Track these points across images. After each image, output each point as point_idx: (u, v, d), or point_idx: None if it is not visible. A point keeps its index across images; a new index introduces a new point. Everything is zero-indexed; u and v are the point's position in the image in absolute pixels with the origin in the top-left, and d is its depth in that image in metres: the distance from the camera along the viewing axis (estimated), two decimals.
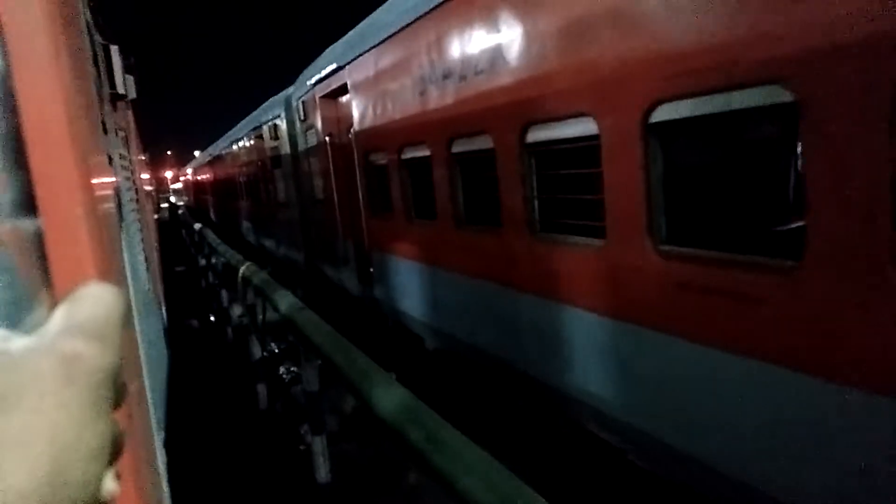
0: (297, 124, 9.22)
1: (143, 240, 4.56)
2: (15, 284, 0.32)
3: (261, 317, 6.57)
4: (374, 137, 5.91)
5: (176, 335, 8.18)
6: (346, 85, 6.52)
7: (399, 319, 6.22)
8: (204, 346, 8.94)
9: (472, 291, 4.50)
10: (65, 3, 0.89)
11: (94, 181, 0.97)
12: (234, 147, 17.03)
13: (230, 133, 18.77)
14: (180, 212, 29.82)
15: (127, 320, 0.37)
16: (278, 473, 4.64)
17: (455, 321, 4.83)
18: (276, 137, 10.77)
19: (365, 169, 6.38)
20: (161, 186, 56.27)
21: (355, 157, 6.64)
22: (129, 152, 4.47)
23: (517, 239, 3.89)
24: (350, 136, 7.13)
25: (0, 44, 0.39)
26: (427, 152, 4.83)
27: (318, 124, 7.85)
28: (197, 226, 16.23)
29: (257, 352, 6.94)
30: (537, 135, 3.56)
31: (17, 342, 0.29)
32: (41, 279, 0.38)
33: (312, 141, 8.41)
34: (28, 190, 0.40)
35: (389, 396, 1.94)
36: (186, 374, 6.97)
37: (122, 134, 3.75)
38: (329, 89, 7.24)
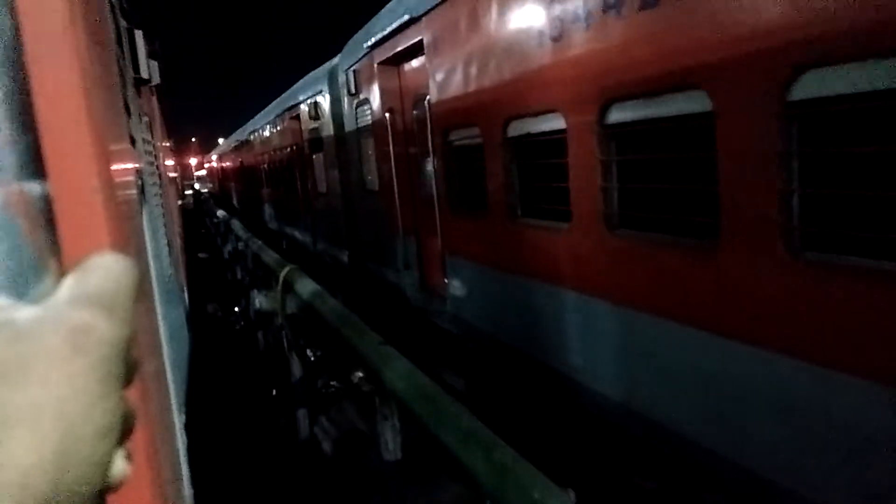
0: (345, 100, 7.84)
1: (165, 225, 4.43)
2: (21, 252, 0.29)
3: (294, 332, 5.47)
4: (464, 109, 4.49)
5: (198, 320, 8.03)
6: (420, 43, 5.10)
7: (483, 343, 4.84)
8: (226, 335, 8.76)
9: (628, 326, 3.10)
10: None
11: (113, 154, 0.97)
12: (264, 131, 15.75)
13: (259, 116, 17.52)
14: (203, 198, 29.72)
15: (141, 294, 0.33)
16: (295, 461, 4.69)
17: (592, 366, 3.42)
18: (316, 117, 9.41)
19: (444, 152, 4.98)
20: (185, 173, 56.23)
21: (429, 136, 5.23)
22: (152, 137, 4.38)
23: (712, 261, 2.52)
24: (420, 110, 5.72)
25: (9, 5, 0.32)
26: (559, 123, 3.41)
27: (376, 98, 6.45)
28: (221, 213, 15.42)
29: (297, 370, 5.71)
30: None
31: (23, 312, 0.28)
32: (49, 247, 0.32)
33: (365, 119, 7.02)
34: (37, 152, 0.32)
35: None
36: (207, 358, 6.78)
37: (145, 119, 3.68)
38: (392, 52, 5.83)
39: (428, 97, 5.17)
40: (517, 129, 3.90)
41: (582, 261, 3.38)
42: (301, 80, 11.25)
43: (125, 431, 0.30)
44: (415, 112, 5.98)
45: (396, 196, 6.26)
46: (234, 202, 28.42)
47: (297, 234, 12.90)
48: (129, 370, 0.30)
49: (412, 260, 6.41)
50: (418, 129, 5.91)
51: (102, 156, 0.72)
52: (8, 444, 0.24)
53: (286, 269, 5.92)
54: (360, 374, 7.32)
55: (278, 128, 13.39)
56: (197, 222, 22.29)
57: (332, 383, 7.64)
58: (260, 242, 8.43)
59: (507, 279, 4.22)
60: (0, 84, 0.30)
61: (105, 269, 0.31)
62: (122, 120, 1.71)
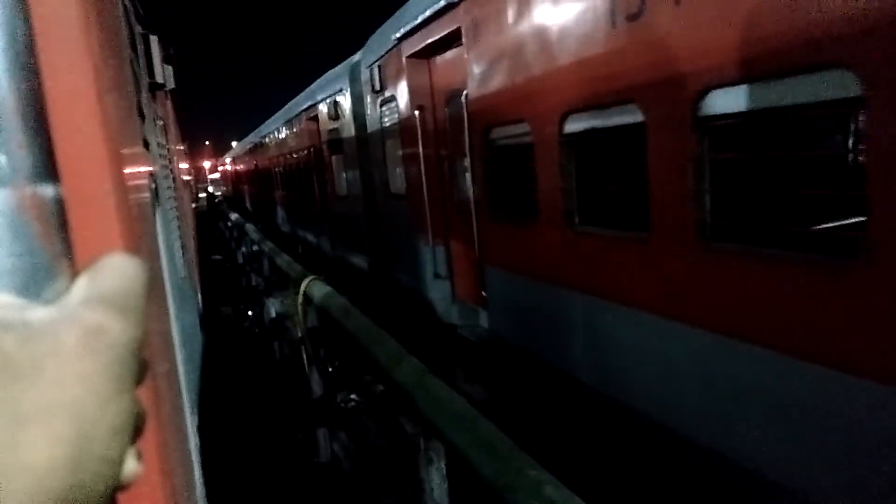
0: (368, 98, 7.36)
1: (179, 227, 4.41)
2: (34, 252, 0.30)
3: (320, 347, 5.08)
4: (510, 104, 3.99)
5: (211, 321, 8.04)
6: (457, 31, 4.60)
7: (527, 364, 4.33)
8: (240, 338, 8.68)
9: (719, 357, 2.57)
10: None
11: (126, 157, 0.98)
12: (279, 133, 15.35)
13: (274, 118, 17.14)
14: (217, 201, 29.70)
15: (153, 295, 0.37)
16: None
17: (676, 406, 2.90)
18: (335, 117, 8.94)
19: (483, 152, 4.47)
20: (199, 176, 56.45)
21: (466, 135, 4.73)
22: (167, 141, 4.39)
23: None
24: (455, 107, 5.22)
25: (23, 10, 0.32)
26: (634, 117, 2.90)
27: (404, 94, 5.96)
28: (234, 216, 15.14)
29: (317, 387, 5.26)
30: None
31: (37, 312, 0.28)
32: (62, 249, 0.33)
33: (391, 118, 6.54)
34: (50, 155, 0.33)
35: None
36: (221, 361, 6.81)
37: (160, 123, 3.68)
38: (423, 43, 5.34)
39: (465, 92, 4.66)
40: (577, 124, 3.38)
41: (668, 278, 2.85)
42: (319, 80, 10.81)
43: (136, 431, 0.30)
44: (448, 109, 5.48)
45: (426, 200, 5.76)
46: (248, 205, 28.29)
47: (313, 238, 12.45)
48: (140, 369, 0.30)
49: (442, 270, 5.91)
50: (452, 128, 5.41)
51: (115, 159, 0.73)
52: (22, 444, 0.24)
53: (308, 280, 5.46)
54: (382, 388, 6.90)
55: (294, 129, 12.95)
56: (210, 225, 22.17)
57: (352, 397, 7.21)
58: (276, 248, 7.98)
59: (561, 295, 3.71)
60: (14, 88, 0.30)
61: (117, 270, 0.31)
62: (135, 124, 1.73)
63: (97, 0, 0.85)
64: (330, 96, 9.17)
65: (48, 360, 0.26)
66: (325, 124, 9.74)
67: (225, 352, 7.94)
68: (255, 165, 22.56)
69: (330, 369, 5.59)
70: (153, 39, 3.06)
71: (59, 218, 0.33)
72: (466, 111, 4.69)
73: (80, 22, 0.55)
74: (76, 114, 0.53)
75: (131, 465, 0.30)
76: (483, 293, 4.83)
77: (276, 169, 16.50)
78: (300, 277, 5.55)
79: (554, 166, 3.61)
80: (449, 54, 5.27)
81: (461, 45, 4.80)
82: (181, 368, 2.29)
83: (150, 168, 2.17)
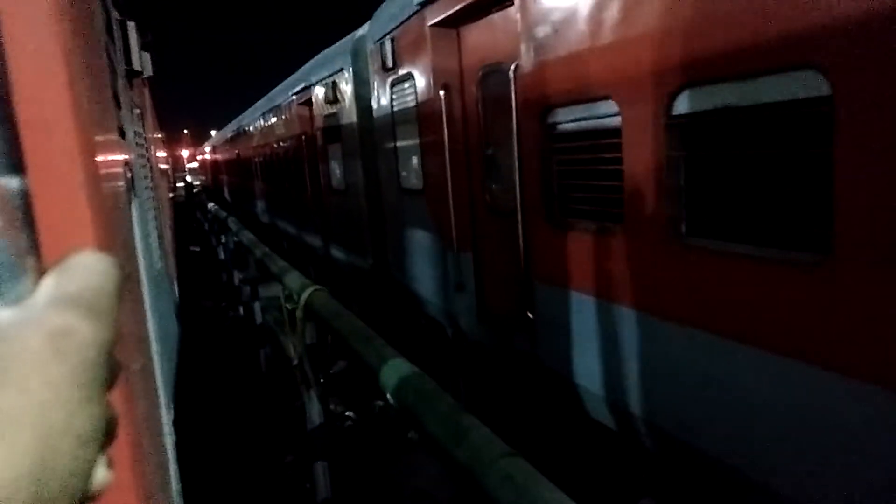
0: (374, 78, 6.40)
1: (156, 217, 4.27)
2: None
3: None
4: (588, 76, 3.07)
5: (187, 313, 7.83)
6: None
7: (586, 402, 3.45)
8: (217, 330, 8.42)
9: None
10: None
11: (99, 147, 0.98)
12: (264, 120, 14.27)
13: (259, 104, 16.04)
14: (195, 191, 28.91)
15: (128, 294, 0.20)
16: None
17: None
18: (333, 101, 7.95)
19: (539, 138, 3.55)
20: (177, 165, 55.18)
21: (513, 118, 3.82)
22: (144, 129, 4.26)
23: None
24: (495, 84, 4.30)
25: None
26: (812, 88, 2.02)
27: (425, 71, 5.02)
28: (211, 205, 14.34)
29: (316, 415, 4.49)
30: None
31: (2, 314, 0.26)
32: (29, 245, 0.31)
33: (406, 100, 5.59)
34: (15, 146, 0.31)
35: None
36: (198, 353, 6.65)
37: (137, 111, 3.57)
38: (454, 8, 4.41)
39: (514, 65, 3.75)
40: (698, 101, 2.49)
41: (849, 319, 1.98)
42: (312, 60, 9.80)
43: (108, 437, 0.28)
44: (481, 89, 4.57)
45: (451, 198, 4.84)
46: (227, 195, 27.30)
47: (302, 235, 11.45)
48: (112, 373, 0.29)
49: (468, 280, 5.00)
50: (488, 110, 4.49)
51: (87, 149, 0.70)
52: None
53: (309, 291, 4.53)
54: (381, 404, 6.11)
55: (283, 116, 11.90)
56: (188, 215, 21.31)
57: (347, 414, 6.45)
58: (267, 249, 7.03)
59: (654, 328, 2.82)
60: None
61: (87, 269, 0.29)
62: (110, 112, 1.69)
63: None
64: (327, 78, 8.17)
65: (12, 365, 0.24)
66: (321, 109, 8.75)
67: (202, 346, 7.59)
68: (237, 155, 21.42)
69: (321, 380, 4.84)
70: (131, 26, 2.97)
71: (25, 212, 0.31)
72: (515, 89, 3.77)
73: (49, 6, 0.51)
74: (44, 102, 0.49)
75: (102, 474, 0.28)
76: (528, 313, 3.93)
77: (261, 158, 15.43)
78: (300, 288, 4.63)
79: (654, 158, 2.71)
80: (486, 21, 4.35)
81: (507, 6, 3.88)
82: (157, 362, 2.24)
83: (126, 157, 2.10)
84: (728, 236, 2.49)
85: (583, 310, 3.34)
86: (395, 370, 2.60)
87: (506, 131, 4.12)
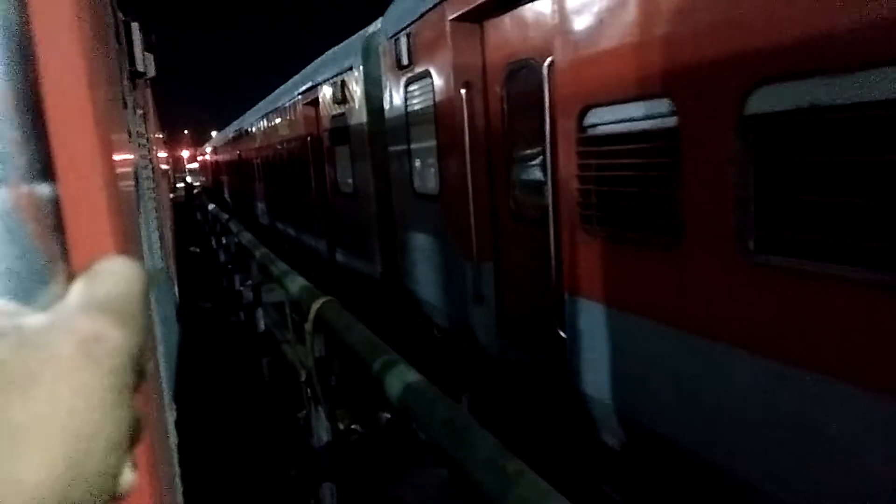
0: (387, 77, 6.10)
1: (158, 218, 4.12)
2: (29, 255, 0.29)
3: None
4: (636, 71, 2.76)
5: (187, 314, 7.84)
6: None
7: (626, 432, 3.14)
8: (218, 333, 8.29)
9: None
10: None
11: (115, 153, 0.98)
12: (267, 121, 13.97)
13: (262, 104, 15.75)
14: (195, 192, 28.72)
15: (148, 298, 0.32)
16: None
17: None
18: (341, 101, 7.65)
19: (577, 141, 3.24)
20: (178, 166, 55.03)
21: (546, 119, 3.51)
22: (146, 130, 4.27)
23: None
24: (522, 82, 3.99)
25: (18, 4, 0.30)
26: None
27: (444, 68, 4.71)
28: (211, 206, 14.15)
29: (324, 433, 4.19)
30: None
31: (31, 319, 0.26)
32: (58, 250, 0.31)
33: (423, 99, 5.28)
34: (46, 153, 0.32)
35: None
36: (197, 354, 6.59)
37: (140, 112, 3.61)
38: (479, 0, 4.11)
39: (548, 60, 3.44)
40: (778, 99, 2.18)
41: None
42: (319, 59, 9.50)
43: (133, 440, 0.29)
44: (506, 87, 4.26)
45: (470, 204, 4.53)
46: (227, 197, 27.07)
47: (304, 237, 11.14)
48: (137, 377, 0.29)
49: (488, 292, 4.69)
50: (514, 111, 4.19)
51: (107, 154, 0.70)
52: (16, 460, 0.23)
53: (320, 302, 4.21)
54: (388, 416, 5.83)
55: (287, 117, 11.60)
56: (188, 216, 21.02)
57: (354, 427, 6.15)
58: (272, 254, 6.72)
59: (716, 355, 2.50)
60: (11, 85, 0.29)
61: (115, 274, 0.30)
62: (121, 115, 1.67)
63: None
64: (335, 76, 7.87)
65: (43, 370, 0.25)
66: (328, 109, 8.44)
67: (201, 349, 7.44)
68: (239, 156, 21.12)
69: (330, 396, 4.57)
70: (135, 27, 2.96)
71: (55, 218, 0.31)
72: (549, 86, 3.46)
73: (74, 12, 0.50)
74: (71, 110, 0.48)
75: (128, 476, 0.28)
76: (560, 331, 3.61)
77: (263, 159, 15.13)
78: (309, 298, 4.31)
79: (721, 164, 2.40)
80: (514, 14, 4.05)
81: None
82: (161, 363, 2.25)
83: (133, 157, 2.08)
84: (806, 253, 2.18)
85: (628, 330, 3.02)
86: (423, 404, 2.28)
87: (534, 133, 3.81)
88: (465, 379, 5.15)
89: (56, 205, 0.31)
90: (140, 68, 3.13)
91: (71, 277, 0.30)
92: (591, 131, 3.16)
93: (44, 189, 0.30)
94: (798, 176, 2.21)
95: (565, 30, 3.22)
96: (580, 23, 3.10)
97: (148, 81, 4.65)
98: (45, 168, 0.31)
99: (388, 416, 5.63)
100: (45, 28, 0.38)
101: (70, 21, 0.51)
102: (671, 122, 2.62)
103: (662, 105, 2.67)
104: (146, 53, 3.36)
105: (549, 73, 3.46)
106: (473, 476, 1.88)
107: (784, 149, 2.23)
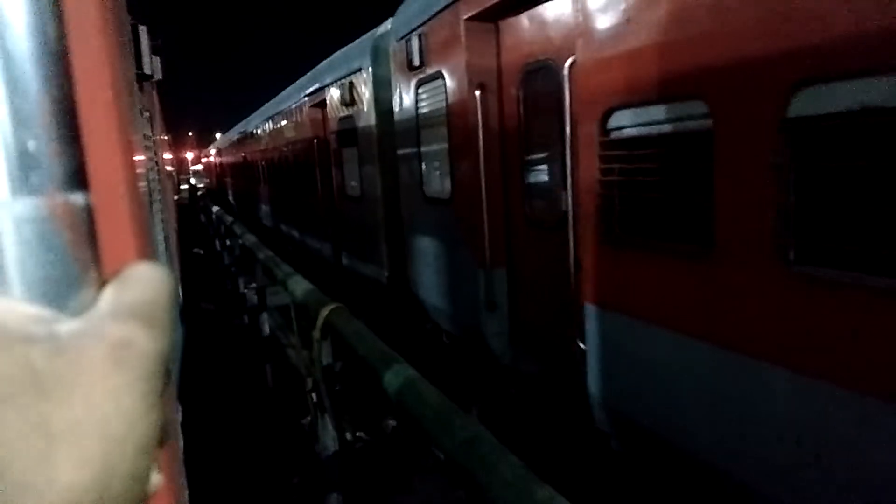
0: (398, 78, 5.98)
1: (163, 220, 4.12)
2: (63, 261, 0.30)
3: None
4: (667, 70, 2.63)
5: (191, 315, 7.70)
6: None
7: (645, 445, 2.99)
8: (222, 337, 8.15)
9: None
10: None
11: (136, 160, 0.92)
12: (273, 123, 13.88)
13: (267, 107, 15.66)
14: (200, 194, 28.72)
15: (175, 302, 0.33)
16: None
17: None
18: (349, 103, 7.53)
19: (602, 143, 3.10)
20: (182, 167, 55.14)
21: (566, 121, 3.38)
22: (153, 133, 4.26)
23: None
24: (540, 83, 3.86)
25: (55, 13, 0.31)
26: None
27: (458, 69, 4.59)
28: (215, 208, 14.12)
29: (330, 442, 4.07)
30: None
31: (66, 325, 0.27)
32: (90, 256, 0.32)
33: (434, 101, 5.15)
34: (81, 162, 0.33)
35: None
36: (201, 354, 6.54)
37: (146, 114, 3.58)
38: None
39: (571, 60, 3.31)
40: (827, 100, 2.04)
41: None
42: (326, 61, 9.38)
43: (160, 442, 0.30)
44: (522, 89, 4.13)
45: (484, 208, 4.40)
46: (231, 199, 27.02)
47: (308, 240, 11.02)
48: (165, 380, 0.30)
49: (501, 299, 4.55)
50: (530, 113, 4.06)
51: (132, 162, 0.70)
52: (52, 463, 0.24)
53: (328, 309, 4.08)
54: (393, 423, 5.70)
55: (294, 119, 11.49)
56: (193, 217, 21.00)
57: (359, 434, 6.01)
58: (277, 258, 6.60)
59: (759, 373, 2.36)
60: (49, 95, 0.30)
61: (143, 280, 0.30)
62: (138, 121, 1.69)
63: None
64: (343, 78, 7.75)
65: (77, 377, 0.25)
66: (335, 111, 8.32)
67: (204, 351, 7.39)
68: (243, 157, 21.04)
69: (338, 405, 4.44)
70: (142, 30, 2.98)
71: (87, 225, 0.32)
72: (570, 87, 3.34)
73: (102, 21, 0.46)
74: (100, 118, 0.43)
75: (155, 479, 0.29)
76: (579, 342, 3.47)
77: (268, 161, 15.03)
78: (317, 305, 4.18)
79: (758, 170, 2.26)
80: (531, 13, 3.92)
81: None
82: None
83: (145, 162, 2.05)
84: (856, 265, 2.04)
85: (654, 343, 2.88)
86: (442, 423, 2.14)
87: (552, 136, 3.68)
88: (475, 388, 5.01)
89: (87, 212, 0.32)
90: (147, 71, 3.14)
91: (101, 283, 0.30)
92: (615, 134, 3.02)
93: (77, 197, 0.31)
94: (848, 182, 2.07)
95: (589, 29, 3.09)
96: (605, 21, 2.97)
97: (154, 84, 4.62)
98: (78, 176, 0.31)
99: (394, 423, 5.51)
100: (79, 39, 0.38)
101: (100, 30, 0.49)
102: (704, 124, 2.48)
103: (695, 107, 2.53)
104: (153, 56, 3.38)
105: (570, 74, 3.33)
106: (498, 503, 1.75)
107: (832, 154, 2.10)
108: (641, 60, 2.76)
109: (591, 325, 3.30)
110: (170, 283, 0.31)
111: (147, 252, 0.86)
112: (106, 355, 0.26)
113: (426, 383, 2.33)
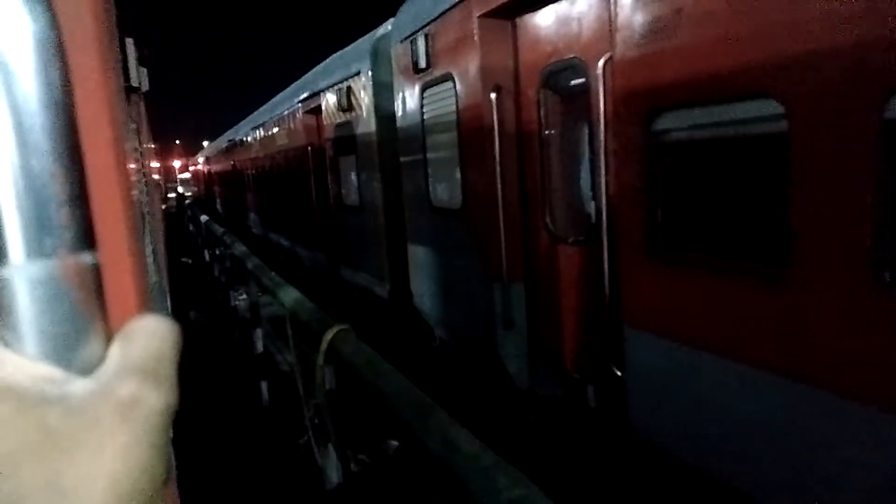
0: (401, 81, 5.64)
1: (151, 232, 4.06)
2: (73, 318, 0.31)
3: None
4: (728, 67, 2.31)
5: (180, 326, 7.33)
6: None
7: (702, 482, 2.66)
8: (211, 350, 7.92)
9: None
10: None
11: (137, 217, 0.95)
12: (264, 130, 13.50)
13: (257, 113, 15.29)
14: (187, 203, 28.28)
15: (179, 352, 0.34)
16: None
17: None
18: (347, 108, 7.18)
19: (644, 148, 2.78)
20: (169, 176, 54.52)
21: (601, 125, 3.06)
22: (140, 144, 4.17)
23: None
24: (566, 84, 3.55)
25: (58, 53, 0.31)
26: None
27: (470, 71, 4.26)
28: (203, 217, 13.77)
29: (334, 473, 3.73)
30: None
31: (77, 385, 0.29)
32: (97, 312, 0.33)
33: (441, 105, 4.82)
34: (90, 223, 0.34)
35: None
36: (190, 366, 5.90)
37: (133, 126, 3.52)
38: None
39: (607, 56, 2.99)
40: None
41: None
42: (321, 65, 9.05)
43: (165, 482, 0.30)
44: (543, 91, 3.81)
45: (501, 219, 4.06)
46: (219, 207, 26.57)
47: (304, 252, 10.64)
48: (170, 429, 0.30)
49: (519, 318, 4.22)
50: (552, 117, 3.74)
51: (136, 220, 0.67)
52: None
53: (333, 331, 3.72)
54: (395, 444, 5.35)
55: (286, 126, 11.12)
56: (180, 226, 20.59)
57: (360, 457, 5.66)
58: (274, 274, 6.23)
59: (845, 413, 2.04)
60: (62, 166, 0.30)
61: (147, 335, 0.31)
62: (132, 153, 1.60)
63: (107, 17, 0.75)
64: (340, 83, 7.41)
65: (87, 436, 0.27)
66: (331, 118, 7.97)
67: (192, 366, 7.07)
68: (233, 166, 20.60)
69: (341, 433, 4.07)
70: (129, 42, 2.96)
71: (95, 283, 0.32)
72: (605, 87, 3.02)
73: (97, 34, 0.45)
74: (110, 183, 0.47)
75: None
76: (615, 368, 3.14)
77: (259, 170, 14.64)
78: (320, 326, 3.82)
79: (847, 177, 1.95)
80: (555, 8, 3.61)
81: None
82: None
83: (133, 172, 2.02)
84: None
85: (710, 373, 2.55)
86: (479, 473, 1.79)
87: (578, 141, 3.36)
88: (489, 411, 4.67)
89: (95, 270, 0.32)
90: (134, 83, 3.11)
91: (108, 336, 0.31)
92: (662, 138, 2.70)
93: (86, 257, 0.31)
94: None
95: (629, 23, 2.77)
96: (650, 13, 2.65)
97: (141, 95, 4.56)
98: (87, 238, 0.32)
99: (395, 444, 5.20)
100: (82, 90, 0.36)
101: (102, 80, 0.49)
102: (778, 126, 2.17)
103: (765, 106, 2.21)
104: (140, 68, 3.36)
105: (604, 73, 3.01)
106: None
107: None
108: (697, 56, 2.45)
109: (632, 350, 2.97)
110: (174, 335, 0.32)
111: (150, 305, 0.71)
112: (114, 413, 0.27)
113: (458, 426, 1.99)
